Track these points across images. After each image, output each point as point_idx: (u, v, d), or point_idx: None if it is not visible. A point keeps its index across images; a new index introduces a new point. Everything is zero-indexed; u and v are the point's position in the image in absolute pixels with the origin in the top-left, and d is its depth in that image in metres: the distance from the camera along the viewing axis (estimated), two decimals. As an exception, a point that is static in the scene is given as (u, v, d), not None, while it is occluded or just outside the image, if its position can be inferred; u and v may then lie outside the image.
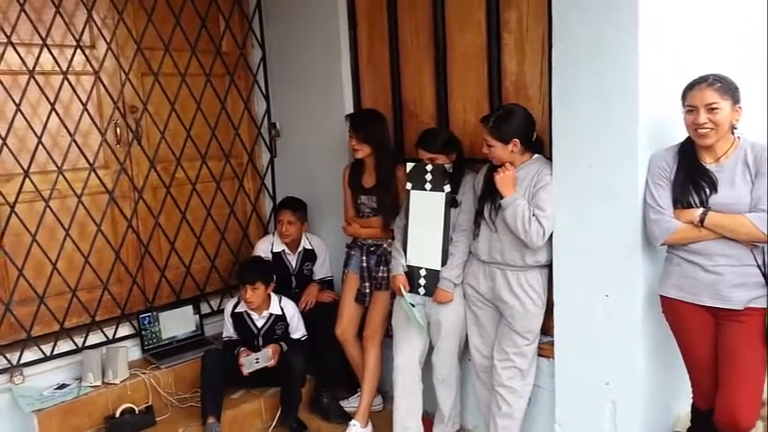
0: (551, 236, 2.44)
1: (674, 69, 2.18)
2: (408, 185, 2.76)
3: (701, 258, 2.05)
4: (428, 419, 2.91)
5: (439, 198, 2.65)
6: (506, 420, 2.57)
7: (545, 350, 2.62)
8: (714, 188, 2.03)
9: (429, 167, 2.68)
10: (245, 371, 2.95)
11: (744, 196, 1.99)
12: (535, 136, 2.47)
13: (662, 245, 2.12)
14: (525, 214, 2.36)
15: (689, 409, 2.29)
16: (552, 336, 2.55)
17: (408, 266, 2.73)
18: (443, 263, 2.65)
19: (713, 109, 1.97)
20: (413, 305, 2.66)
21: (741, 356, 2.03)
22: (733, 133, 2.06)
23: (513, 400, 2.55)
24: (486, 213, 2.52)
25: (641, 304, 2.26)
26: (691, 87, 2.03)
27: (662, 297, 2.20)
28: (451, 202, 2.65)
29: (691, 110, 2.02)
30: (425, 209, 2.69)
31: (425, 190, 2.69)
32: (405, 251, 2.75)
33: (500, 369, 2.55)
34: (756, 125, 2.26)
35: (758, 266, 2.00)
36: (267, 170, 3.87)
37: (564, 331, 2.50)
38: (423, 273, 2.70)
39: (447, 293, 2.64)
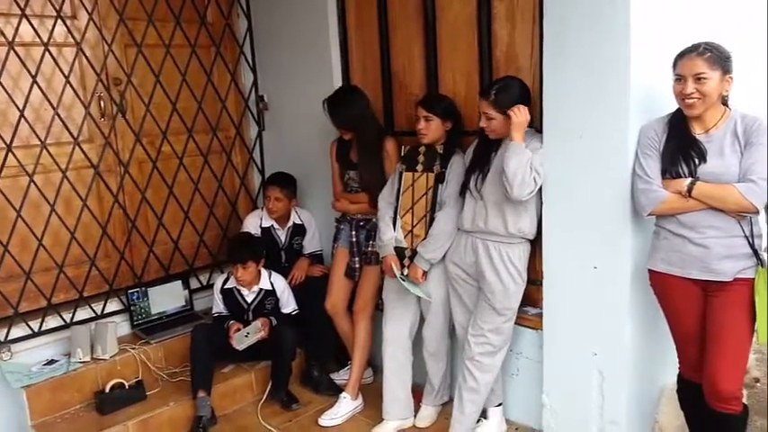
0: (541, 208, 2.44)
1: (668, 39, 2.14)
2: (402, 167, 2.74)
3: (688, 231, 2.04)
4: (418, 391, 2.93)
5: (429, 179, 2.65)
6: (473, 395, 2.59)
7: (533, 322, 2.63)
8: (703, 158, 2.01)
9: (422, 149, 2.68)
10: (237, 346, 2.95)
11: (732, 166, 1.98)
12: None
13: (649, 215, 2.11)
14: (527, 168, 2.29)
15: (675, 378, 2.31)
16: (541, 308, 2.56)
17: (396, 248, 2.71)
18: None
19: (701, 79, 1.95)
20: (404, 278, 2.65)
21: (727, 327, 2.04)
22: (726, 104, 2.04)
23: (479, 375, 2.56)
24: (472, 183, 2.51)
25: (630, 276, 2.27)
26: (681, 56, 2.00)
27: (650, 271, 2.20)
28: (438, 177, 2.63)
29: (679, 78, 2.00)
30: (415, 191, 2.68)
31: (417, 171, 2.69)
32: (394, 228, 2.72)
33: (473, 344, 2.55)
34: (754, 97, 2.24)
35: (745, 237, 2.00)
36: (255, 144, 3.82)
37: (553, 303, 2.51)
38: (408, 254, 2.68)
39: (417, 269, 2.63)
